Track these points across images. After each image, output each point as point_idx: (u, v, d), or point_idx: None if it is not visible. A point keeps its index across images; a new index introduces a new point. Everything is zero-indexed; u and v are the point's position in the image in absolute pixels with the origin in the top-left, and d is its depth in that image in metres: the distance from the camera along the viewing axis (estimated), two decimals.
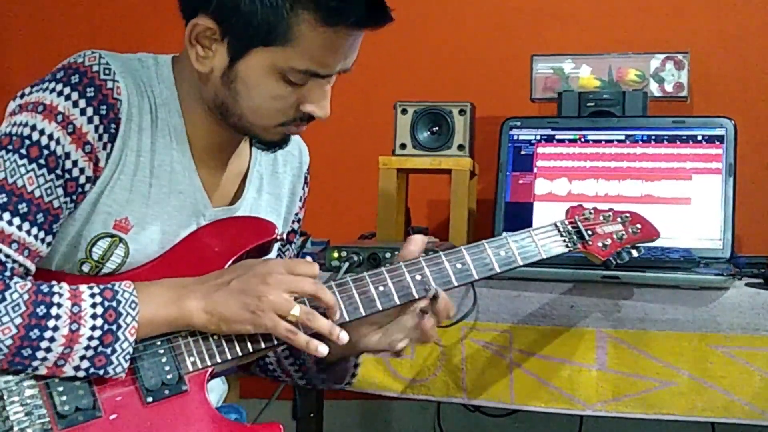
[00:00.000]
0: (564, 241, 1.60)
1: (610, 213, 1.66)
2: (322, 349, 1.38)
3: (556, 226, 1.61)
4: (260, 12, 1.35)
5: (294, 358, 1.70)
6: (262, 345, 1.42)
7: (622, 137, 2.32)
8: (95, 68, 1.38)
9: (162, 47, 1.58)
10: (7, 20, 3.45)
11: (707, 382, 1.88)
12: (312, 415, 2.42)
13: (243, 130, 1.51)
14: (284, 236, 1.71)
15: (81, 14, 3.38)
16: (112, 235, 1.42)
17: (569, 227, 1.62)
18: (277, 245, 1.69)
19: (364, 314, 1.46)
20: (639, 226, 1.66)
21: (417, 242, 1.53)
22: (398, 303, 1.48)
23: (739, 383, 1.87)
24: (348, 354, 1.61)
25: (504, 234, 1.57)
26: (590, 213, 1.64)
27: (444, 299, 1.48)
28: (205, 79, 1.44)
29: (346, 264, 2.05)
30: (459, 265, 1.52)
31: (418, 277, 1.49)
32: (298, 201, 1.74)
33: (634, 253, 1.66)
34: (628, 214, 1.67)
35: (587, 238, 1.62)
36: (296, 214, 1.76)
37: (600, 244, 1.62)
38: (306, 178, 1.76)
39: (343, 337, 1.39)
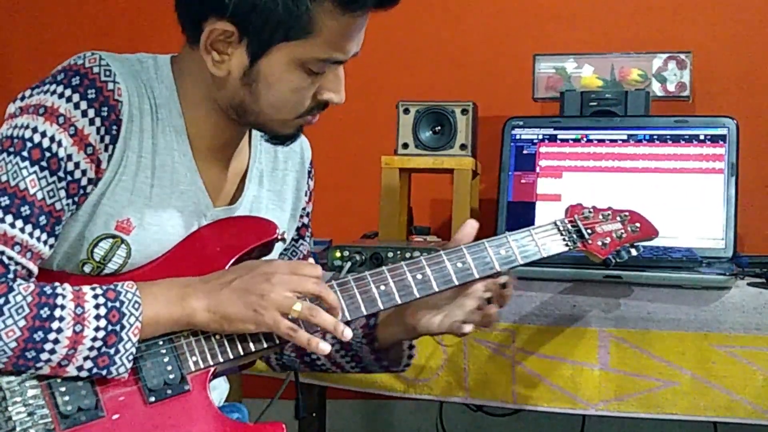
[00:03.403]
0: (564, 239, 1.61)
1: (610, 212, 1.67)
2: (324, 347, 1.39)
3: (555, 225, 1.62)
4: (282, 8, 1.35)
5: (345, 351, 1.71)
6: (264, 344, 1.43)
7: (625, 137, 2.32)
8: (96, 70, 1.39)
9: (162, 47, 1.58)
10: (7, 20, 3.45)
11: (710, 381, 1.88)
12: (314, 414, 2.43)
13: (260, 127, 1.52)
14: (285, 235, 1.70)
15: (81, 14, 3.38)
16: (113, 236, 1.42)
17: (569, 226, 1.63)
18: (284, 243, 1.68)
19: (365, 313, 1.48)
20: (638, 224, 1.66)
21: (472, 225, 1.59)
22: (399, 302, 1.49)
23: (742, 383, 1.87)
24: (406, 337, 1.65)
25: (504, 233, 1.58)
26: (589, 212, 1.65)
27: (511, 284, 1.54)
28: (222, 83, 1.44)
29: (349, 263, 2.05)
30: (460, 264, 1.53)
31: (419, 277, 1.51)
32: (304, 196, 1.75)
33: (633, 252, 1.67)
34: (627, 213, 1.68)
35: (587, 236, 1.63)
36: (303, 209, 1.77)
37: (599, 243, 1.63)
38: (310, 171, 1.77)
39: (347, 334, 1.40)
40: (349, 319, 1.46)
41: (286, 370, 1.82)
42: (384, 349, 1.69)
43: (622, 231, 1.65)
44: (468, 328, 1.55)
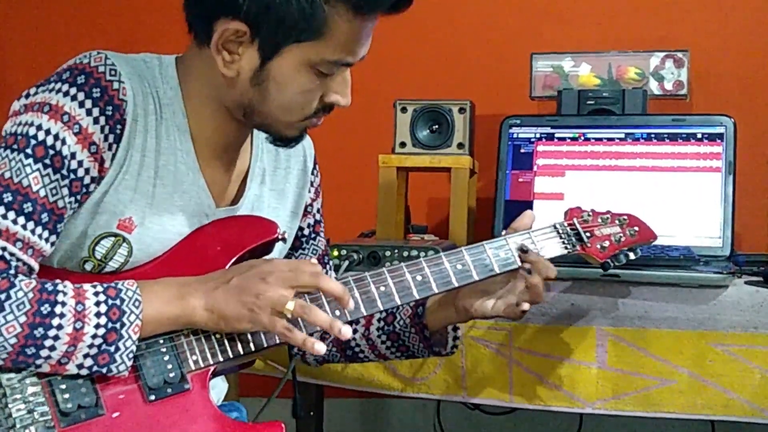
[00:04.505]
0: (563, 242, 1.62)
1: (608, 215, 1.67)
2: (319, 347, 1.39)
3: (555, 227, 1.63)
4: (296, 9, 1.35)
5: (392, 342, 1.73)
6: (264, 343, 1.44)
7: (622, 135, 2.32)
8: (101, 69, 1.39)
9: (163, 47, 1.58)
10: (7, 20, 3.44)
11: (707, 380, 1.88)
12: (312, 413, 2.43)
13: (265, 129, 1.52)
14: (286, 234, 1.70)
15: (81, 14, 3.38)
16: (115, 235, 1.42)
17: (568, 229, 1.64)
18: (284, 242, 1.68)
19: (365, 314, 1.49)
20: (636, 228, 1.67)
21: (529, 216, 1.62)
22: (399, 303, 1.51)
23: (739, 381, 1.87)
24: (458, 321, 1.68)
25: (504, 235, 1.59)
26: (588, 215, 1.66)
27: (534, 254, 1.57)
28: (231, 83, 1.45)
29: (346, 262, 2.05)
30: (459, 266, 1.55)
31: (419, 278, 1.52)
32: (308, 193, 1.75)
33: (632, 256, 1.67)
34: (625, 217, 1.68)
35: (586, 240, 1.63)
36: (311, 205, 1.77)
37: (598, 246, 1.64)
38: (314, 168, 1.77)
39: (345, 331, 1.40)
40: (349, 319, 1.46)
41: (324, 363, 1.85)
42: (433, 332, 1.70)
43: (621, 234, 1.66)
44: (526, 306, 1.57)
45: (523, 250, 1.57)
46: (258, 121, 1.49)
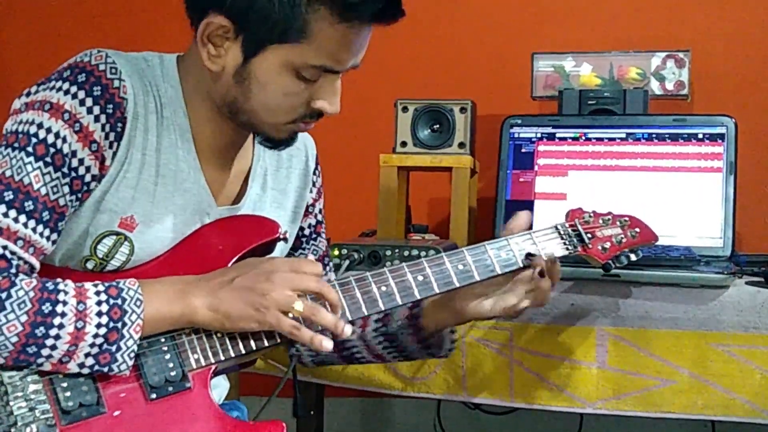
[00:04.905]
0: (564, 243, 1.62)
1: (610, 216, 1.67)
2: (327, 344, 1.40)
3: (556, 228, 1.63)
4: (278, 8, 1.35)
5: (389, 342, 1.73)
6: (266, 343, 1.44)
7: (623, 135, 2.32)
8: (102, 67, 1.39)
9: (163, 46, 1.58)
10: (7, 20, 3.44)
11: (707, 380, 1.88)
12: (312, 412, 2.43)
13: (252, 128, 1.52)
14: (287, 234, 1.71)
15: (81, 14, 3.38)
16: (117, 233, 1.43)
17: (569, 230, 1.64)
18: (285, 242, 1.68)
19: (366, 314, 1.49)
20: (638, 230, 1.67)
21: (525, 217, 1.62)
22: (400, 303, 1.51)
23: (740, 381, 1.87)
24: (454, 323, 1.68)
25: (501, 236, 1.59)
26: (590, 216, 1.66)
27: (548, 258, 1.57)
28: (216, 78, 1.45)
29: (347, 262, 2.05)
30: (461, 266, 1.55)
31: (420, 278, 1.52)
32: (309, 193, 1.75)
33: (633, 257, 1.67)
34: (627, 218, 1.68)
35: (587, 241, 1.64)
36: (313, 206, 1.77)
37: (599, 248, 1.64)
38: (316, 168, 1.77)
39: (347, 331, 1.41)
40: (350, 319, 1.47)
41: (322, 365, 1.86)
42: (430, 335, 1.70)
43: (622, 236, 1.66)
44: (525, 303, 1.58)
45: (552, 261, 1.56)
46: (244, 119, 1.48)
